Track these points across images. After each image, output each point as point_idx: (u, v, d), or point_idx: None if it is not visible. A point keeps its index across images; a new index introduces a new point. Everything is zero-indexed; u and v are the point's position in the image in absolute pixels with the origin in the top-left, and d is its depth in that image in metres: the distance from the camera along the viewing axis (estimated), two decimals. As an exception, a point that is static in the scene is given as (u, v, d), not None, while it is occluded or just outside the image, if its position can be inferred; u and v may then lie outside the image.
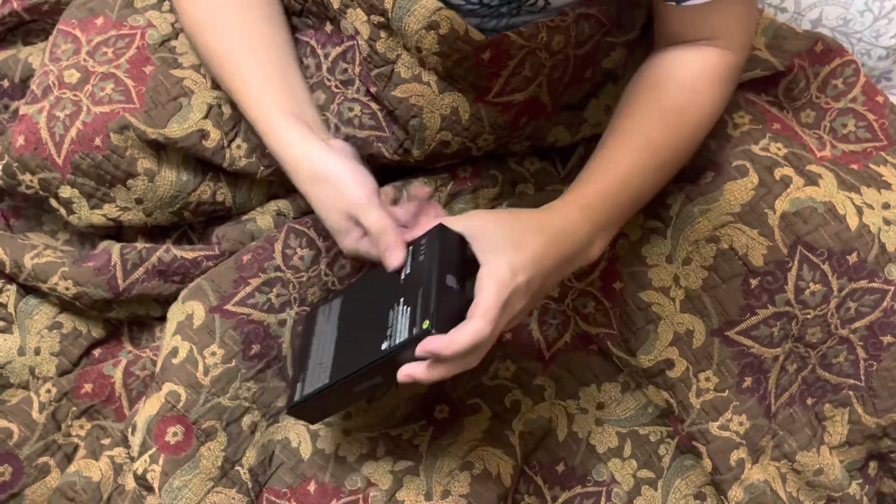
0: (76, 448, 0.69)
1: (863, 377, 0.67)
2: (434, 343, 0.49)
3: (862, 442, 0.68)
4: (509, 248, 0.52)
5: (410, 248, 0.56)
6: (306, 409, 0.58)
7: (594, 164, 0.61)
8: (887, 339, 0.66)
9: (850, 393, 0.68)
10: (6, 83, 0.79)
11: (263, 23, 0.65)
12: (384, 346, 0.53)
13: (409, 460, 0.67)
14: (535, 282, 0.53)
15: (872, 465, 0.71)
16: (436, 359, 0.50)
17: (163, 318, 0.71)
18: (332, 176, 0.59)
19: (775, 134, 0.70)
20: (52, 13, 0.82)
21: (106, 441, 0.69)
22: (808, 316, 0.65)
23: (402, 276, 0.55)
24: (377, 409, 0.69)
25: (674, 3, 0.61)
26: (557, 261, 0.55)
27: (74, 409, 0.69)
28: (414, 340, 0.50)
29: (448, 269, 0.53)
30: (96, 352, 0.73)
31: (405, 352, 0.51)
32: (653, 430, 0.71)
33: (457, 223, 0.55)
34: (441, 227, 0.55)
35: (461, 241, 0.54)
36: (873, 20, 0.78)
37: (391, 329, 0.53)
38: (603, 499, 0.69)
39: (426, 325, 0.50)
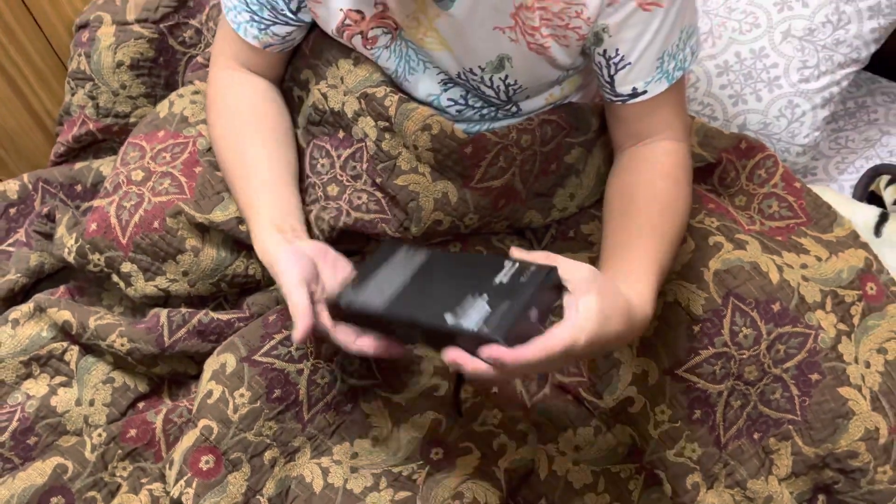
0: (119, 486, 0.80)
1: (798, 412, 0.78)
2: (503, 352, 0.53)
3: (806, 472, 0.77)
4: (594, 321, 0.56)
5: (518, 264, 0.59)
6: (347, 314, 0.63)
7: (646, 263, 0.68)
8: (814, 376, 0.77)
9: (790, 427, 0.78)
10: (79, 188, 0.97)
11: (271, 140, 0.81)
12: (448, 317, 0.55)
13: (407, 491, 0.77)
14: (587, 352, 0.57)
15: (821, 498, 0.79)
16: (495, 364, 0.54)
17: (197, 376, 0.83)
18: (278, 266, 0.69)
19: (710, 212, 0.85)
20: (121, 133, 1.01)
21: (145, 480, 0.79)
22: (744, 356, 0.77)
23: (498, 278, 0.57)
24: (381, 451, 0.80)
25: (620, 102, 0.77)
26: (615, 345, 0.61)
27: (120, 451, 0.80)
28: (476, 336, 0.53)
29: (535, 304, 0.55)
30: (141, 404, 0.84)
31: (461, 338, 0.54)
32: (623, 468, 0.81)
33: (566, 271, 0.58)
34: (552, 270, 0.57)
35: (559, 289, 0.58)
36: (788, 123, 0.95)
37: (462, 310, 0.55)
38: (581, 527, 0.78)
39: (495, 335, 0.53)
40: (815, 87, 0.94)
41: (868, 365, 0.79)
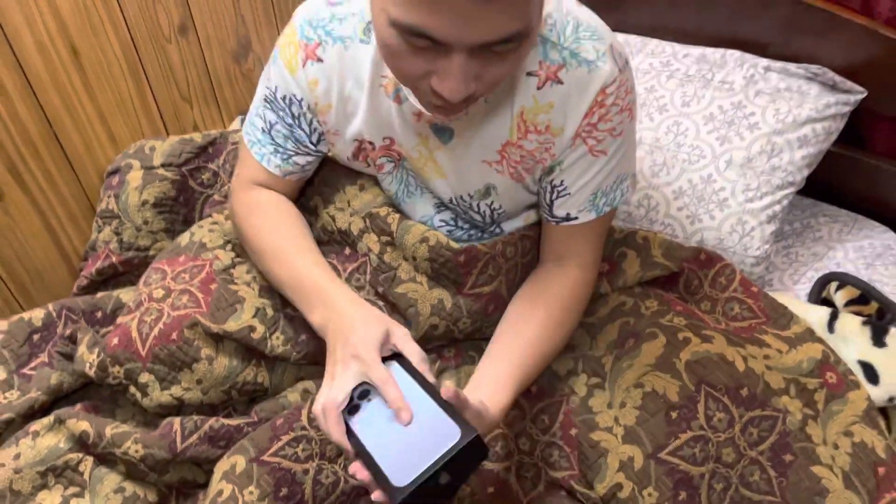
0: None
1: (778, 492, 0.82)
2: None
3: (792, 552, 0.81)
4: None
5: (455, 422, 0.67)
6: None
7: (515, 378, 0.81)
8: (788, 457, 0.83)
9: (772, 509, 0.82)
10: (100, 314, 1.04)
11: (301, 236, 0.91)
12: (386, 471, 0.65)
13: None
14: None
15: (812, 581, 0.82)
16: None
17: (205, 485, 0.87)
18: (382, 318, 0.76)
19: (678, 312, 0.94)
20: (140, 266, 1.11)
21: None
22: (720, 438, 0.83)
23: (434, 435, 0.66)
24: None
25: (555, 223, 0.89)
26: None
27: (130, 556, 0.82)
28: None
29: (450, 471, 0.64)
30: (149, 514, 0.87)
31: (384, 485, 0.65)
32: (618, 557, 0.83)
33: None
34: (475, 440, 0.64)
35: (481, 456, 0.66)
36: (740, 238, 1.07)
37: (396, 469, 0.65)
38: None
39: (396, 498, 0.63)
40: (759, 206, 1.07)
41: (836, 447, 0.85)
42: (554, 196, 0.87)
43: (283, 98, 0.87)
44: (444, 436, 0.65)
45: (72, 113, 1.07)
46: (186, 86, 1.20)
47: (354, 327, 0.74)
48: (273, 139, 0.90)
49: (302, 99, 0.86)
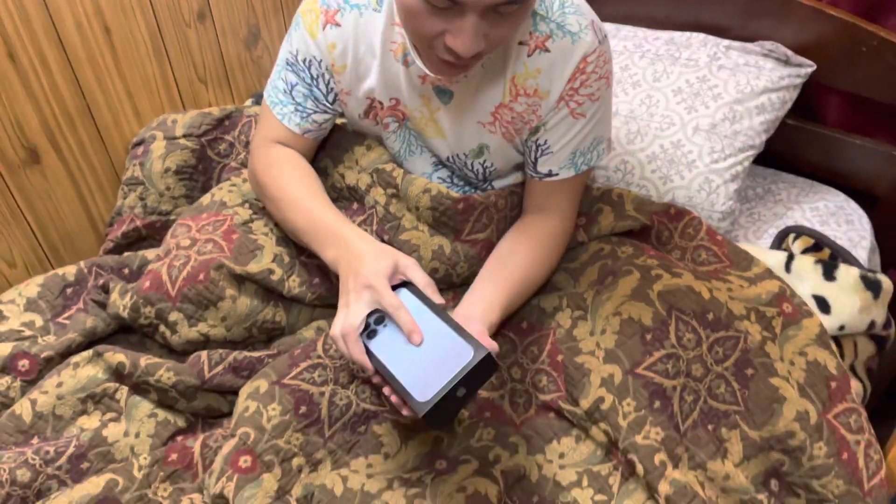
0: None
1: (741, 402, 0.93)
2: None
3: (756, 455, 0.91)
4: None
5: (465, 339, 0.75)
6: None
7: (493, 290, 0.93)
8: (749, 371, 0.94)
9: (736, 416, 0.92)
10: (127, 271, 1.14)
11: (315, 187, 1.00)
12: (408, 387, 0.74)
13: (417, 488, 0.88)
14: None
15: (773, 482, 0.92)
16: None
17: (229, 414, 0.97)
18: (390, 251, 0.84)
19: (650, 256, 1.05)
20: (162, 229, 1.21)
21: (184, 497, 0.90)
22: (689, 356, 0.93)
23: (451, 352, 0.74)
24: (392, 463, 0.92)
25: (538, 178, 1.00)
26: None
27: (162, 473, 0.91)
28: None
29: (466, 384, 0.72)
30: (179, 438, 0.96)
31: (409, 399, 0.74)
32: (602, 467, 0.93)
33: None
34: (488, 356, 0.72)
35: (493, 369, 0.74)
36: (707, 195, 1.19)
37: (418, 385, 0.74)
38: (569, 514, 0.89)
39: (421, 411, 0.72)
40: (723, 167, 1.20)
41: (792, 363, 0.96)
42: (538, 154, 0.99)
43: (304, 60, 0.98)
44: (457, 354, 0.74)
45: (103, 88, 1.18)
46: (203, 68, 1.31)
47: (365, 260, 0.83)
48: (294, 99, 1.00)
49: (321, 60, 0.97)
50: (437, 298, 0.82)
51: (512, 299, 0.94)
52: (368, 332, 0.81)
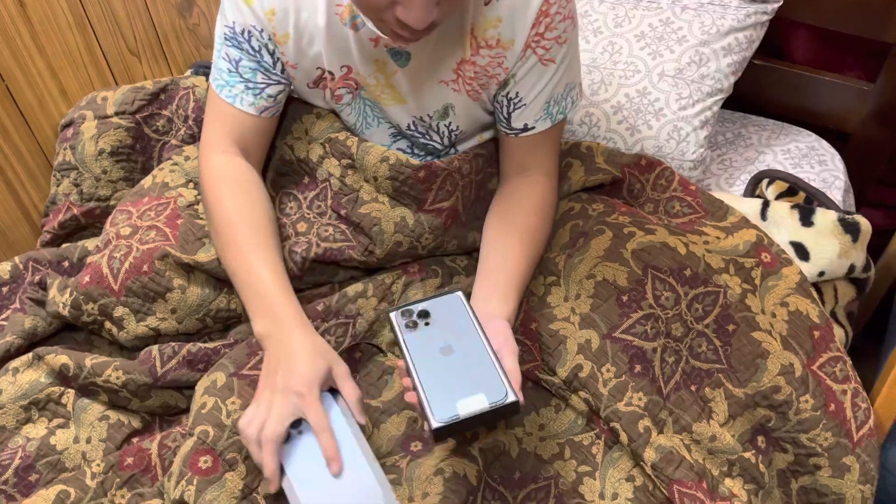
0: (119, 512, 0.84)
1: (724, 360, 0.89)
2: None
3: (741, 413, 0.88)
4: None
5: (499, 372, 0.72)
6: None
7: (514, 283, 0.88)
8: (731, 326, 0.90)
9: (720, 375, 0.89)
10: (66, 264, 1.06)
11: (262, 226, 0.89)
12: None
13: (392, 475, 0.84)
14: None
15: (760, 438, 0.89)
16: None
17: (186, 410, 0.90)
18: (328, 357, 0.80)
19: (622, 213, 1.00)
20: (102, 216, 1.12)
21: (144, 503, 0.84)
22: (668, 315, 0.89)
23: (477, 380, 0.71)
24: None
25: (514, 135, 0.94)
26: None
27: (118, 479, 0.85)
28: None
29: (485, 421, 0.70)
30: (135, 439, 0.90)
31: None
32: (584, 437, 0.89)
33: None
34: (515, 404, 0.70)
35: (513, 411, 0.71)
36: (677, 144, 1.14)
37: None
38: (552, 488, 0.85)
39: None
40: (692, 113, 1.14)
41: (774, 315, 0.93)
42: (511, 109, 0.93)
43: (243, 32, 0.89)
44: (367, 494, 0.73)
45: (23, 67, 1.08)
46: (133, 39, 1.21)
47: (300, 358, 0.79)
48: (242, 76, 0.92)
49: (262, 30, 0.89)
50: (361, 418, 0.80)
51: (523, 279, 0.90)
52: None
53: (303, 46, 0.90)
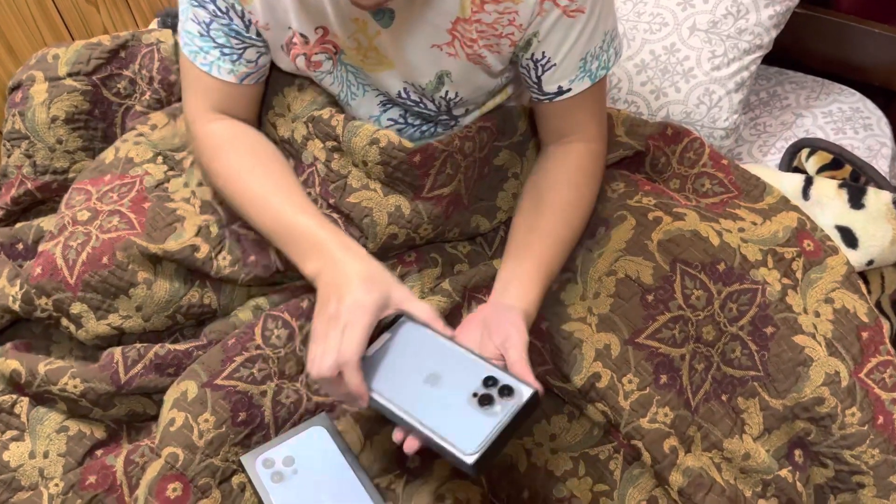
0: (80, 540, 0.75)
1: (760, 366, 0.79)
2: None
3: (778, 426, 0.78)
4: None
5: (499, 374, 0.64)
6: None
7: (540, 269, 0.77)
8: (769, 329, 0.80)
9: (755, 384, 0.79)
10: (21, 246, 0.95)
11: (281, 174, 0.81)
12: (443, 433, 0.62)
13: (388, 502, 0.75)
14: None
15: (798, 452, 0.80)
16: None
17: (157, 417, 0.81)
18: (382, 278, 0.70)
19: (646, 192, 0.89)
20: (60, 190, 1.00)
21: (109, 528, 0.75)
22: (699, 317, 0.78)
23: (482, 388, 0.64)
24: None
25: (548, 101, 0.82)
26: None
27: (79, 501, 0.76)
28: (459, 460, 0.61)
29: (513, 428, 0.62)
30: (99, 452, 0.81)
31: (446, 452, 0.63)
32: (601, 450, 0.80)
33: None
34: (535, 395, 0.62)
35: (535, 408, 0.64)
36: (707, 109, 1.01)
37: (455, 430, 0.62)
38: (566, 512, 0.76)
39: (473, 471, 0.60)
40: (726, 74, 1.01)
41: (818, 314, 0.82)
42: (539, 72, 0.79)
43: None
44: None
45: (-42, 22, 0.94)
46: (89, -15, 1.07)
47: (354, 286, 0.69)
48: (214, 40, 0.79)
49: None
50: (446, 331, 0.70)
51: (551, 265, 0.78)
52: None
53: (271, 6, 0.76)
